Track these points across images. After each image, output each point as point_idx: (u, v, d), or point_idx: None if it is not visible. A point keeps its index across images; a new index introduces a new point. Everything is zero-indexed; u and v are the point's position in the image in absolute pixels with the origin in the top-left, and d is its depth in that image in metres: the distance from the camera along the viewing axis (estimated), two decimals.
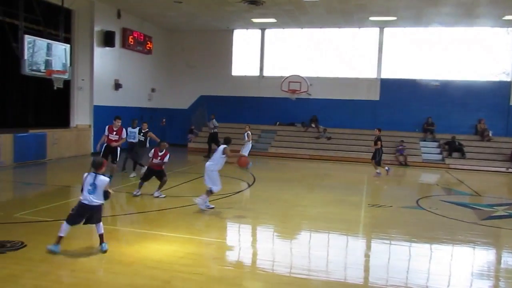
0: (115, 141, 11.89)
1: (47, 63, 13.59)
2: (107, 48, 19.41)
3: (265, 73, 24.13)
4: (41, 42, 13.36)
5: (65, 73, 14.39)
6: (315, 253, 7.01)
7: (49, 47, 13.67)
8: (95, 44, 18.73)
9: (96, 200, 6.14)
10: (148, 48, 22.47)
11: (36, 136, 15.74)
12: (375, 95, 22.58)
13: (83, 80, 18.43)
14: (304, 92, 22.31)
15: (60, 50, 14.18)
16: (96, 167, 6.23)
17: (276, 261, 6.44)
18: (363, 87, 22.59)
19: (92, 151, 18.45)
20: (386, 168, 15.82)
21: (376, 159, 15.63)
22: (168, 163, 10.47)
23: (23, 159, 14.87)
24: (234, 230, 8.51)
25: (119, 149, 11.99)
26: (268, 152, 21.53)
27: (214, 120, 20.46)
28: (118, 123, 12.00)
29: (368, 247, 7.58)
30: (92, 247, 6.75)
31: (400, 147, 20.24)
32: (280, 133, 23.26)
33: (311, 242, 7.78)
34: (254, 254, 6.89)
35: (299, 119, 23.42)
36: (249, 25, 23.09)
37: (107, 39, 19.18)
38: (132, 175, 13.08)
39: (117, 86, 20.25)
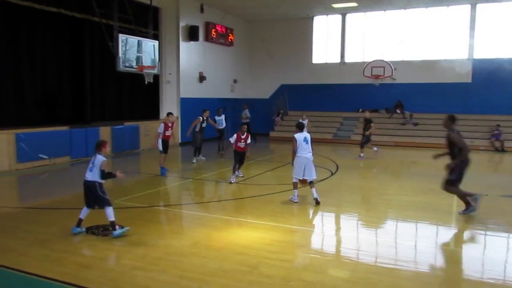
0: (170, 136, 12.24)
1: (138, 60, 14.47)
2: (192, 42, 20.19)
3: (346, 59, 23.55)
4: (133, 40, 14.25)
5: (155, 68, 15.22)
6: (403, 243, 6.76)
7: (139, 44, 14.54)
8: (180, 39, 19.58)
9: (90, 177, 6.53)
10: (230, 40, 23.01)
11: (131, 128, 16.96)
12: (467, 77, 21.02)
13: (170, 74, 19.38)
14: (388, 77, 21.41)
15: (150, 47, 15.01)
16: (97, 147, 6.66)
17: (362, 250, 6.34)
18: (452, 69, 21.07)
19: (180, 141, 19.41)
20: (375, 148, 15.65)
21: (363, 141, 15.55)
22: (250, 143, 11.15)
23: (119, 149, 16.13)
24: (318, 218, 8.49)
25: (159, 141, 12.19)
26: (351, 139, 21.06)
27: (246, 110, 20.20)
28: (171, 118, 12.45)
29: (462, 238, 7.16)
30: (183, 233, 7.15)
31: (496, 131, 18.72)
32: (362, 120, 22.59)
33: (398, 231, 7.53)
34: (340, 243, 6.83)
35: (383, 105, 22.57)
36: (329, 11, 22.63)
37: (192, 34, 19.95)
38: (194, 161, 14.25)
39: (201, 78, 21.03)
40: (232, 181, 10.77)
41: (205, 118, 14.47)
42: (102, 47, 15.85)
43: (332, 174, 12.43)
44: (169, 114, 12.69)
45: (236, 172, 11.10)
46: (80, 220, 6.70)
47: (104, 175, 6.51)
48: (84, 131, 14.91)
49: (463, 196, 8.03)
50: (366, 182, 11.20)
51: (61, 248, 6.14)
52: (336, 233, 7.45)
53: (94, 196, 6.57)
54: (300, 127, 9.14)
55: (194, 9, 20.40)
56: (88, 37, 16.19)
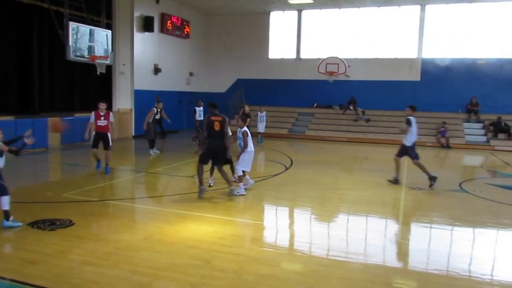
0: (104, 126, 10.82)
1: (90, 49, 14.01)
2: (147, 33, 19.74)
3: (302, 56, 23.87)
4: (84, 29, 13.77)
5: (107, 58, 14.80)
6: (353, 236, 6.98)
7: (91, 33, 14.08)
8: (135, 29, 19.10)
9: None
10: (186, 33, 22.70)
11: (81, 119, 16.33)
12: (416, 75, 21.92)
13: (124, 65, 18.88)
14: (342, 74, 21.94)
15: (102, 36, 14.58)
16: None
17: (314, 243, 6.48)
18: (403, 67, 21.96)
19: (133, 134, 18.99)
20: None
21: None
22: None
23: (69, 141, 15.53)
24: (272, 213, 8.60)
25: (109, 134, 10.88)
26: (305, 135, 21.45)
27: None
28: (103, 107, 10.85)
29: (408, 231, 7.47)
30: (135, 227, 7.02)
31: (442, 128, 19.65)
32: (317, 115, 23.06)
33: (349, 225, 7.75)
34: (292, 236, 6.94)
35: (337, 101, 23.11)
36: (286, 6, 22.82)
37: (147, 24, 19.51)
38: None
39: (157, 70, 20.63)
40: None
41: (158, 110, 14.08)
42: (52, 35, 15.22)
43: (287, 168, 12.59)
44: (99, 102, 10.99)
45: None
46: None
47: (14, 152, 6.50)
48: (31, 122, 14.25)
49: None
50: (320, 177, 11.43)
51: (4, 243, 5.87)
52: (289, 226, 7.57)
53: None
54: (245, 121, 9.33)
55: None
56: (36, 24, 15.49)
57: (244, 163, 9.16)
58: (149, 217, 7.57)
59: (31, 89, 15.64)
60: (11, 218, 6.43)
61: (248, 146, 9.21)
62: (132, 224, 7.22)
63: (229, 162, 9.71)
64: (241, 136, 9.31)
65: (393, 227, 7.69)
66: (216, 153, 8.78)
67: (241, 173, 9.12)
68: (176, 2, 21.75)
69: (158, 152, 14.45)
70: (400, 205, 8.91)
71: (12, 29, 15.13)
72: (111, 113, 10.91)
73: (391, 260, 6.04)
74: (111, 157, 10.99)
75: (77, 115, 16.43)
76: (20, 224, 6.46)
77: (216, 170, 9.32)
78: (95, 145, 10.78)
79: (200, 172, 8.67)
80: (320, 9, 22.95)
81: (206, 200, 8.63)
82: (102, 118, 10.70)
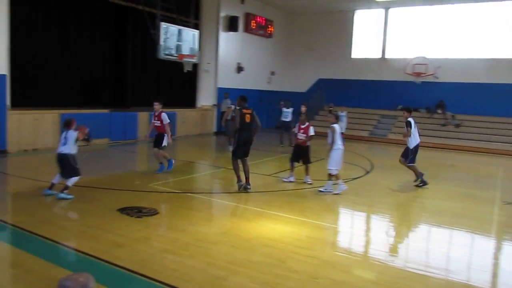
0: (158, 127, 10.39)
1: (178, 48, 14.69)
2: (231, 33, 20.26)
3: (387, 55, 22.99)
4: (173, 28, 14.47)
5: (194, 57, 15.42)
6: (435, 249, 6.59)
7: (180, 33, 14.75)
8: (220, 29, 19.69)
9: (65, 150, 7.49)
10: (269, 32, 22.93)
11: (168, 114, 17.11)
12: None
13: (209, 63, 19.56)
14: (430, 75, 20.79)
15: (190, 36, 15.21)
16: (67, 125, 7.63)
17: (392, 252, 6.22)
18: (502, 68, 20.12)
19: (214, 130, 19.60)
20: None
21: None
22: (314, 136, 10.28)
23: None
24: (349, 217, 8.41)
25: (165, 135, 10.32)
26: (387, 138, 20.64)
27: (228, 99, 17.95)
28: (157, 107, 10.46)
29: (500, 249, 6.89)
30: (213, 221, 7.25)
31: None
32: (401, 118, 21.99)
33: (431, 236, 7.33)
34: (369, 243, 6.73)
35: (424, 104, 21.91)
36: (372, 4, 22.15)
37: (231, 24, 20.02)
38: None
39: (239, 69, 21.10)
40: (285, 180, 10.05)
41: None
42: (144, 35, 16.20)
43: (367, 173, 12.23)
44: (154, 102, 10.66)
45: (305, 178, 10.05)
46: (53, 184, 7.66)
47: (86, 140, 7.73)
48: (123, 115, 15.31)
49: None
50: (401, 183, 10.95)
51: (97, 225, 6.36)
52: (366, 233, 7.35)
53: (68, 167, 7.47)
54: (337, 118, 9.12)
55: None
56: (131, 24, 16.60)
57: (332, 162, 9.00)
58: (227, 212, 7.78)
59: (125, 85, 16.81)
60: (65, 191, 7.46)
61: (336, 143, 9.01)
62: (210, 217, 7.47)
63: (307, 161, 9.76)
64: (329, 132, 9.10)
65: (481, 244, 7.12)
66: (247, 144, 9.01)
67: (335, 172, 9.00)
68: (261, 2, 22.05)
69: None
70: (493, 220, 8.22)
71: (110, 30, 16.37)
72: (163, 114, 10.37)
73: (478, 279, 5.58)
74: (162, 156, 10.47)
75: (165, 110, 17.31)
76: (71, 196, 7.48)
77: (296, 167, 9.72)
78: (154, 145, 10.49)
79: (236, 168, 8.93)
80: (409, 6, 21.92)
81: (283, 199, 8.67)
82: (156, 118, 10.43)
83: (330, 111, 21.44)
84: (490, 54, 20.47)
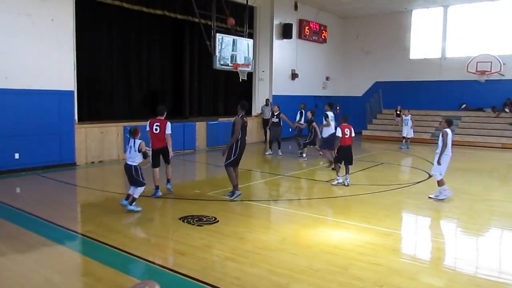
0: (158, 139, 8.87)
1: (233, 58, 14.93)
2: (285, 40, 20.31)
3: (448, 55, 21.99)
4: (228, 39, 14.72)
5: (249, 66, 15.58)
6: (508, 254, 6.17)
7: (234, 43, 14.97)
8: (274, 37, 19.81)
9: (128, 159, 7.67)
10: (323, 37, 22.75)
11: (225, 124, 17.53)
12: None
13: (263, 71, 19.71)
14: (495, 72, 19.62)
15: (244, 45, 15.39)
16: (132, 134, 7.70)
17: (461, 258, 5.89)
18: None
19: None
20: (304, 155, 14.36)
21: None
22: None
23: (214, 144, 16.78)
24: (414, 222, 8.09)
25: (170, 149, 8.97)
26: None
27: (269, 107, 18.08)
28: (162, 112, 9.05)
29: None
30: (272, 228, 7.24)
31: None
32: (465, 119, 21.01)
33: (503, 241, 6.87)
34: (436, 249, 6.41)
35: (489, 103, 20.71)
36: (429, 3, 21.34)
37: (285, 31, 20.08)
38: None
39: (294, 76, 21.08)
40: (333, 183, 10.18)
41: (275, 113, 14.92)
42: (200, 46, 16.67)
43: (430, 176, 11.71)
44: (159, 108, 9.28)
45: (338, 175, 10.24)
46: (128, 195, 7.72)
47: (144, 155, 7.74)
48: (182, 126, 15.76)
49: None
50: (468, 186, 10.38)
51: (160, 233, 6.57)
52: (433, 239, 7.01)
53: (131, 177, 7.63)
54: (450, 123, 8.98)
55: (288, 7, 20.50)
56: (188, 37, 17.13)
57: (439, 167, 8.82)
58: (285, 219, 7.74)
59: (182, 96, 17.34)
60: (134, 204, 7.59)
61: (448, 149, 8.78)
62: (269, 224, 7.47)
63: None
64: (440, 137, 8.89)
65: None
66: (243, 152, 8.97)
67: (440, 177, 8.81)
68: (314, 8, 21.95)
69: (271, 153, 15.22)
70: None
71: (168, 42, 16.99)
72: (167, 124, 9.01)
73: None
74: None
75: (221, 119, 17.68)
76: (139, 209, 7.58)
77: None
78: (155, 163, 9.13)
79: (233, 176, 8.75)
80: (470, 3, 20.87)
81: (341, 204, 8.50)
82: (157, 127, 8.93)
83: (398, 115, 21.01)
84: None
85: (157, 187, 8.86)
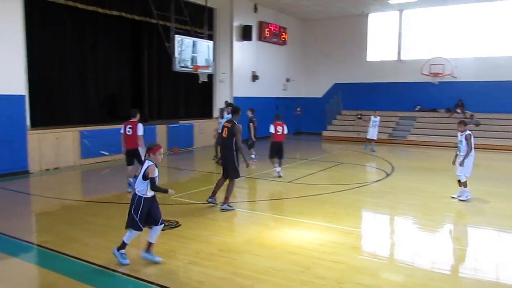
0: (131, 141, 9.30)
1: (193, 59, 14.82)
2: (245, 42, 20.37)
3: (403, 57, 22.78)
4: (188, 41, 14.60)
5: (209, 67, 15.51)
6: (463, 249, 6.46)
7: (194, 45, 14.88)
8: (234, 38, 19.82)
9: (136, 188, 5.46)
10: (283, 39, 22.99)
11: (186, 126, 17.41)
12: None
13: (224, 73, 19.68)
14: (448, 75, 20.50)
15: (204, 47, 15.32)
16: (147, 151, 5.50)
17: (419, 254, 6.10)
18: None
19: None
20: (252, 155, 13.83)
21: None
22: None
23: (175, 147, 16.56)
24: (372, 220, 8.31)
25: (140, 149, 9.24)
26: (407, 140, 20.40)
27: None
28: (135, 114, 9.49)
29: None
30: (236, 230, 7.23)
31: None
32: (420, 119, 21.82)
33: (458, 236, 7.19)
34: (395, 246, 6.63)
35: (442, 104, 21.62)
36: (385, 7, 22.01)
37: (245, 33, 20.14)
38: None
39: (254, 77, 21.18)
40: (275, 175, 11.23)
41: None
42: (159, 48, 16.41)
43: (388, 175, 12.09)
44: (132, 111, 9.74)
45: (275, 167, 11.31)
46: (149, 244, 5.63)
47: (153, 186, 5.34)
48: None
49: None
50: (424, 185, 10.78)
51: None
52: (391, 235, 7.24)
53: (130, 213, 5.47)
54: (465, 124, 9.09)
55: (247, 8, 20.58)
56: (146, 38, 16.82)
57: (466, 169, 8.92)
58: (249, 221, 7.76)
59: (142, 99, 17.02)
60: (150, 252, 5.57)
61: (473, 150, 8.90)
62: (233, 227, 7.47)
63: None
64: (463, 139, 8.97)
65: (510, 242, 6.96)
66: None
67: (464, 179, 8.94)
68: (274, 10, 22.15)
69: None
70: None
71: (126, 44, 16.62)
72: (140, 125, 9.48)
73: (506, 277, 5.45)
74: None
75: (182, 122, 17.50)
76: (158, 259, 5.53)
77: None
78: (129, 163, 9.65)
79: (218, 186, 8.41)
80: (424, 7, 21.71)
81: (305, 205, 8.61)
82: (127, 132, 9.48)
83: (359, 117, 21.56)
84: (507, 51, 20.11)
85: (129, 183, 9.27)
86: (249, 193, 10.46)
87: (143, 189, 5.40)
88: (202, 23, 16.19)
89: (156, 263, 5.48)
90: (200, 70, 15.07)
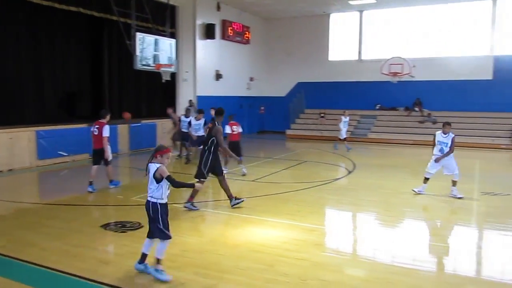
0: (96, 141, 9.54)
1: (155, 58, 14.59)
2: (208, 40, 20.25)
3: (364, 57, 23.31)
4: (150, 38, 14.37)
5: (172, 66, 15.33)
6: (421, 243, 6.68)
7: (156, 43, 14.66)
8: (197, 37, 19.66)
9: (150, 195, 5.10)
10: (247, 38, 23.01)
11: (148, 126, 17.09)
12: (487, 74, 20.56)
13: (187, 72, 19.48)
14: (406, 74, 21.14)
15: (167, 45, 15.12)
16: (154, 153, 5.18)
17: (379, 249, 6.26)
18: (473, 65, 20.67)
19: None
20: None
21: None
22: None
23: (137, 147, 16.26)
24: (335, 217, 8.46)
25: (107, 148, 9.59)
26: (368, 138, 20.90)
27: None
28: (104, 115, 9.60)
29: (481, 238, 7.02)
30: (200, 230, 7.17)
31: None
32: (380, 118, 22.40)
33: (416, 231, 7.42)
34: (357, 242, 6.78)
35: (401, 102, 22.29)
36: (346, 7, 22.44)
37: (208, 32, 20.02)
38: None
39: (218, 76, 21.09)
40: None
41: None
42: (120, 46, 16.03)
43: (349, 172, 12.33)
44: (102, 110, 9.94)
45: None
46: (145, 256, 5.21)
47: (174, 182, 5.06)
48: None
49: None
50: (384, 181, 11.07)
51: (81, 243, 6.22)
52: (353, 232, 7.39)
53: (153, 226, 5.06)
54: (443, 126, 9.41)
55: (210, 7, 20.46)
56: (106, 36, 16.41)
57: (457, 168, 9.14)
58: (213, 221, 7.72)
59: (103, 98, 16.59)
60: (159, 269, 5.02)
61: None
62: (196, 227, 7.40)
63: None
64: (449, 141, 9.28)
65: (465, 234, 7.27)
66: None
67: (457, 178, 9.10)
68: (237, 9, 22.12)
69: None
70: (473, 211, 8.41)
71: (85, 41, 16.15)
72: (106, 127, 9.55)
73: (463, 268, 5.69)
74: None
75: (144, 121, 17.18)
76: (167, 278, 4.94)
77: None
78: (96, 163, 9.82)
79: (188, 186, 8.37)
80: (383, 8, 22.29)
81: (269, 203, 8.65)
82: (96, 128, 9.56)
83: (322, 116, 21.86)
84: (462, 52, 20.97)
85: (90, 183, 9.39)
86: (213, 193, 10.40)
87: (159, 194, 5.03)
88: (164, 21, 15.96)
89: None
90: (162, 69, 14.86)
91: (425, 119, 21.06)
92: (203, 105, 19.45)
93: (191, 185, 5.52)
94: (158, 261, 5.05)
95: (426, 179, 9.36)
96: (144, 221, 7.12)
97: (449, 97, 21.17)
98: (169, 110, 15.71)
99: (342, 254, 6.10)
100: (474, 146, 17.92)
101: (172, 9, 17.84)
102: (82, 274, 5.12)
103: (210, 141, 8.04)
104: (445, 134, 9.26)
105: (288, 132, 23.11)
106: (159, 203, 5.03)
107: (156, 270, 4.99)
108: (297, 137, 22.16)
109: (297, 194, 9.42)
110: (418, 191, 9.38)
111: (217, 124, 8.10)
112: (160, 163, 5.04)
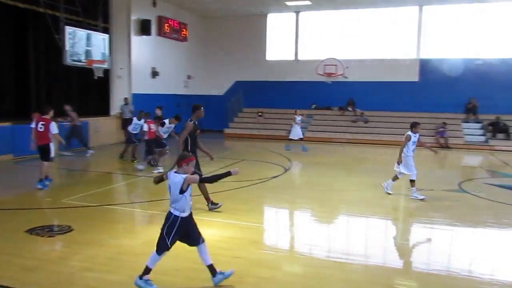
0: (41, 137, 9.50)
1: (88, 53, 13.98)
2: (144, 37, 19.71)
3: (300, 57, 23.86)
4: (81, 33, 13.75)
5: (105, 62, 14.78)
6: (353, 237, 6.97)
7: (88, 38, 14.07)
8: (132, 33, 19.07)
9: (172, 207, 4.88)
10: (184, 35, 22.67)
11: (83, 125, 16.28)
12: (414, 76, 21.88)
13: (121, 69, 18.84)
14: (340, 75, 21.94)
15: (99, 40, 14.57)
16: (176, 164, 4.87)
17: (314, 245, 6.44)
18: (401, 68, 21.92)
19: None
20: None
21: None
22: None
23: (67, 147, 15.42)
24: (272, 215, 8.58)
25: (51, 145, 9.69)
26: (304, 136, 21.37)
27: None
28: (48, 111, 9.65)
29: (408, 231, 7.45)
30: (134, 232, 6.97)
31: (441, 129, 19.65)
32: (316, 117, 23.05)
33: (349, 226, 7.72)
34: (293, 238, 6.92)
35: (336, 102, 23.09)
36: (283, 8, 22.83)
37: (144, 28, 19.48)
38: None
39: (154, 74, 20.60)
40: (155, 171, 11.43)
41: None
42: (48, 40, 15.16)
43: (286, 170, 12.56)
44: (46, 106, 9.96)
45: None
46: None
47: (206, 179, 5.32)
48: (28, 127, 14.17)
49: None
50: (319, 178, 11.41)
51: (3, 250, 5.82)
52: (289, 229, 7.55)
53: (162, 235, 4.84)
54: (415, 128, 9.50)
55: (146, 2, 19.93)
56: (32, 28, 15.44)
57: (412, 168, 9.20)
58: (148, 221, 7.54)
59: (28, 94, 15.59)
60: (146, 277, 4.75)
61: (409, 150, 9.30)
62: (131, 228, 7.19)
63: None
64: (416, 140, 9.42)
65: (393, 228, 7.68)
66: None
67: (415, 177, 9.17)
68: (173, 5, 21.73)
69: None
70: (400, 206, 8.90)
71: (8, 34, 15.11)
72: (52, 123, 9.66)
73: (392, 261, 6.02)
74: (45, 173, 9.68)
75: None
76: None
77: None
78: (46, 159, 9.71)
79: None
80: (318, 10, 22.94)
81: (204, 203, 8.58)
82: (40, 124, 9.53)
83: (260, 115, 22.04)
84: (391, 55, 22.13)
85: (41, 180, 9.40)
86: (148, 193, 10.15)
87: (181, 206, 4.77)
88: (96, 15, 15.33)
89: None
90: (95, 65, 14.30)
91: (357, 119, 21.98)
92: (139, 103, 18.96)
93: (227, 174, 5.22)
94: (148, 271, 4.75)
95: (413, 181, 9.32)
96: (76, 224, 6.83)
97: (379, 97, 22.24)
98: (67, 107, 14.54)
99: (278, 251, 6.20)
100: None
101: (105, 2, 17.17)
102: (4, 283, 4.78)
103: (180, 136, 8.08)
104: (415, 134, 9.53)
105: (227, 131, 23.11)
106: (181, 217, 4.80)
107: (145, 281, 4.70)
108: (236, 136, 22.23)
109: (235, 193, 9.44)
110: (415, 197, 9.17)
111: (188, 121, 8.19)
112: (185, 173, 4.74)
